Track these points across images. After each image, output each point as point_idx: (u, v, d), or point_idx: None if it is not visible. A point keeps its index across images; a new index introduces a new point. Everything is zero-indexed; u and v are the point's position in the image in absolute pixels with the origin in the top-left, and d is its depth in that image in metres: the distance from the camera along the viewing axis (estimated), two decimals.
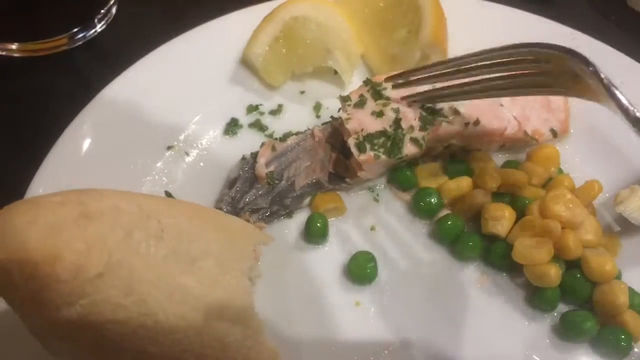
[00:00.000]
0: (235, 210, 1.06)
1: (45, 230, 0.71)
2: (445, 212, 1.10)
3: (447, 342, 0.97)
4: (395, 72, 1.12)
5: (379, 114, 1.08)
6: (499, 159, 1.17)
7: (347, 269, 1.03)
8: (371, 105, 1.09)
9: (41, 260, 0.69)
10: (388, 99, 1.10)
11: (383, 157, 1.04)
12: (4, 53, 1.32)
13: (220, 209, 1.06)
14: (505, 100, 1.15)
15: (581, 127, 1.20)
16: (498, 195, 1.08)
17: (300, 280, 1.02)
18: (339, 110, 1.12)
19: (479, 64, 1.00)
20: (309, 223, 1.06)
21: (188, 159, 1.15)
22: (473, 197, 1.08)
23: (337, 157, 1.12)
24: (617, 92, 0.88)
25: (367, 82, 1.13)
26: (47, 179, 1.03)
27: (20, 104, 1.27)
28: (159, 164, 1.12)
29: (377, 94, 1.10)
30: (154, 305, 0.73)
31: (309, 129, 1.16)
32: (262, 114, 1.23)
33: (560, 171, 1.15)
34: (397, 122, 1.07)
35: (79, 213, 0.74)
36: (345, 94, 1.13)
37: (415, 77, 1.09)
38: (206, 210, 0.95)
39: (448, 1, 1.23)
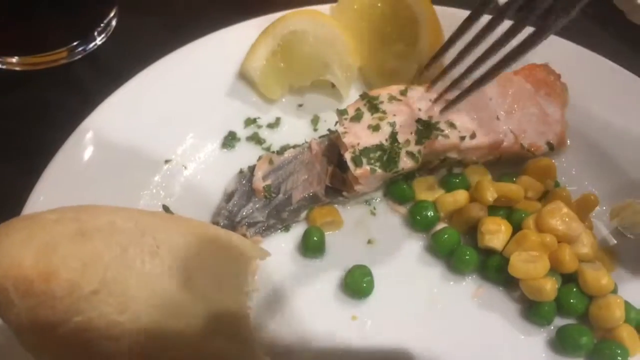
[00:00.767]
0: (233, 224, 1.07)
1: (40, 247, 0.71)
2: (441, 225, 1.10)
3: (443, 355, 0.97)
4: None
5: (375, 128, 1.08)
6: (496, 172, 1.17)
7: (344, 283, 1.03)
8: (367, 118, 1.10)
9: (36, 278, 0.70)
10: (384, 112, 1.10)
11: (379, 171, 1.05)
12: (3, 66, 1.33)
13: (217, 222, 1.06)
14: (501, 113, 1.15)
15: (578, 140, 1.20)
16: (494, 209, 1.08)
17: (296, 294, 1.02)
18: (335, 124, 1.12)
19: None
20: (306, 237, 1.06)
21: (186, 173, 1.15)
22: (469, 210, 1.08)
23: (334, 171, 1.12)
24: None
25: (363, 96, 1.13)
26: (46, 192, 1.03)
27: (20, 117, 1.28)
28: (156, 178, 1.13)
29: (374, 108, 1.11)
30: (148, 322, 0.74)
31: (306, 142, 1.16)
32: (259, 127, 1.23)
33: (557, 184, 1.15)
34: (393, 135, 1.07)
35: (75, 230, 0.75)
36: (342, 107, 1.13)
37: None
38: (202, 225, 0.95)
39: (445, 14, 1.24)
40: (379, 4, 1.27)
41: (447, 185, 1.14)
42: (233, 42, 1.26)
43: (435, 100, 1.10)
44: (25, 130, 1.26)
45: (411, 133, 1.08)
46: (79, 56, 1.37)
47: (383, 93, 1.13)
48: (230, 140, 1.20)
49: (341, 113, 1.11)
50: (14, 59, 1.33)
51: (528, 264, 0.99)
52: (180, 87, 1.21)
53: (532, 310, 1.00)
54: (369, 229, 1.11)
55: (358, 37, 1.27)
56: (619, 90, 1.22)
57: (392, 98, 1.12)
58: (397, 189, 1.12)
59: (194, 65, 1.23)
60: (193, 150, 1.18)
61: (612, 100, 1.21)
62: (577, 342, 0.97)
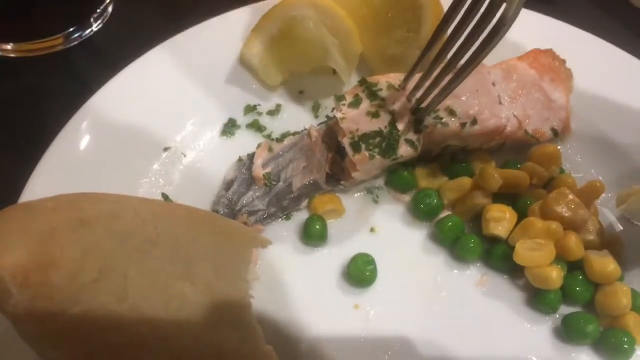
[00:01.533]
0: (233, 212, 1.05)
1: (38, 236, 0.70)
2: (445, 213, 1.09)
3: (447, 344, 0.96)
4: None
5: (374, 114, 1.07)
6: (500, 159, 1.16)
7: (346, 271, 1.02)
8: (366, 105, 1.08)
9: (34, 267, 0.68)
10: (383, 99, 1.08)
11: (378, 157, 1.03)
12: None
13: (217, 211, 1.05)
14: (505, 98, 1.13)
15: (583, 126, 1.19)
16: (499, 196, 1.07)
17: (298, 283, 1.01)
18: (332, 110, 1.10)
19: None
20: (308, 225, 1.05)
21: (185, 161, 1.13)
22: (473, 198, 1.06)
23: (333, 158, 1.11)
24: None
25: (362, 82, 1.11)
26: (43, 180, 1.01)
27: (16, 105, 1.26)
28: (155, 166, 1.11)
29: (372, 95, 1.09)
30: (149, 312, 0.72)
31: (305, 128, 1.15)
32: (260, 114, 1.22)
33: (562, 171, 1.13)
34: (392, 123, 1.06)
35: (74, 218, 0.73)
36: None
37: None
38: (202, 213, 0.94)
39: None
40: None
41: (451, 172, 1.13)
42: (233, 28, 1.24)
43: (427, 90, 1.06)
44: (21, 118, 1.24)
45: (409, 122, 1.06)
46: (75, 42, 1.35)
47: (382, 80, 1.11)
48: (230, 127, 1.19)
49: (338, 99, 1.10)
50: (9, 46, 1.31)
51: (533, 251, 0.98)
52: (179, 73, 1.19)
53: (538, 299, 0.99)
54: (372, 217, 1.10)
55: (359, 22, 1.24)
56: (624, 76, 1.21)
57: (390, 86, 1.10)
58: (398, 177, 1.11)
59: (193, 51, 1.22)
60: (192, 137, 1.16)
61: (618, 86, 1.20)
62: (583, 330, 0.96)
